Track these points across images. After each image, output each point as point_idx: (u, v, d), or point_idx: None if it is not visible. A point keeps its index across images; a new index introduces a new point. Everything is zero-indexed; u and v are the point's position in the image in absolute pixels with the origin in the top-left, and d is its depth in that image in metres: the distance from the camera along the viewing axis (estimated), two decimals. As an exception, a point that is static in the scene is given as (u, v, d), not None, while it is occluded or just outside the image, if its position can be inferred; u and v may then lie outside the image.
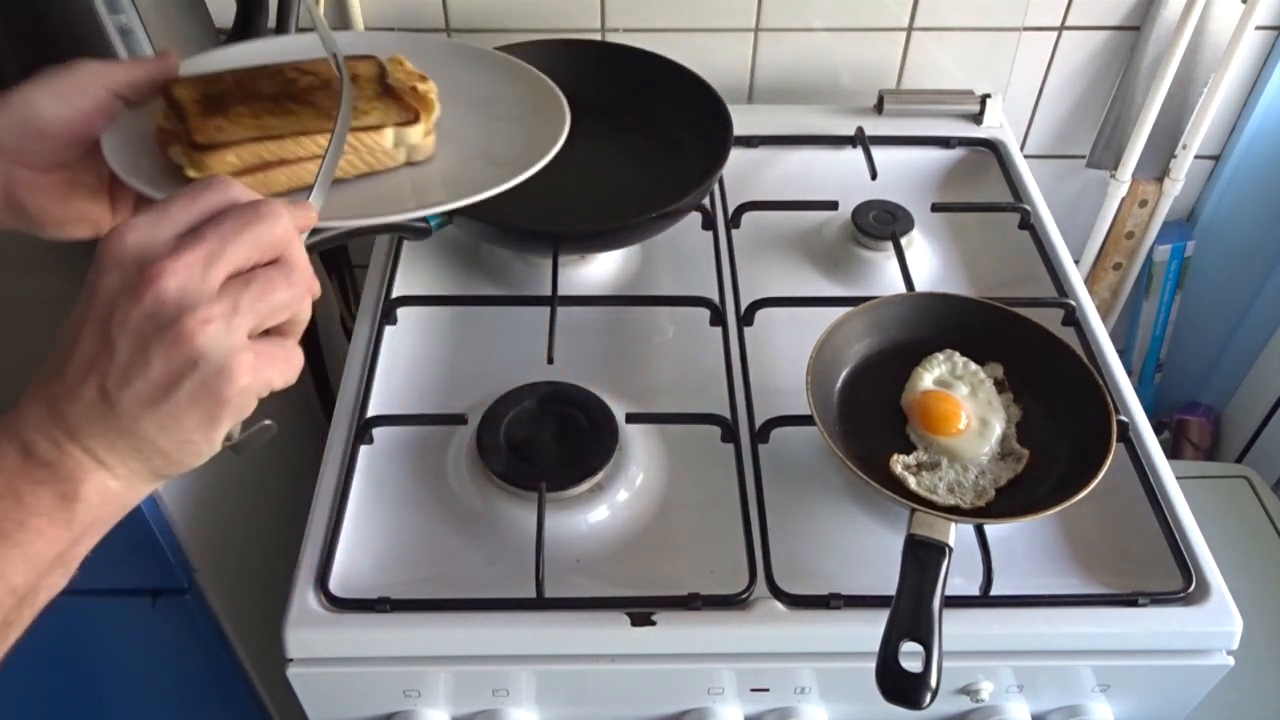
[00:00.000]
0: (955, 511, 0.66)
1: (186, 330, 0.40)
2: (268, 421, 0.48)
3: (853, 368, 0.76)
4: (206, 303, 0.40)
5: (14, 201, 0.55)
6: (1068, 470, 0.68)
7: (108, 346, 0.40)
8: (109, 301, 0.40)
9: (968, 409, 0.72)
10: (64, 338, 0.42)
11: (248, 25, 0.89)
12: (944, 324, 0.77)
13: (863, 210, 0.91)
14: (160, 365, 0.40)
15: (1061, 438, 0.71)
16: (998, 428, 0.72)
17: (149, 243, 0.41)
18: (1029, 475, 0.69)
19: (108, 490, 0.43)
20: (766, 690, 0.68)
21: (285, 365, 0.44)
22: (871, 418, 0.73)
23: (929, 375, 0.74)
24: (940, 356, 0.75)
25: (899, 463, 0.69)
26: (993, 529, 0.68)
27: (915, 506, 0.64)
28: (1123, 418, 0.75)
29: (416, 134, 0.66)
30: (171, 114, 0.61)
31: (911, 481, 0.68)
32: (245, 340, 0.42)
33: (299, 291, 0.44)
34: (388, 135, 0.65)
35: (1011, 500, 0.68)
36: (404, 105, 0.67)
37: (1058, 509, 0.64)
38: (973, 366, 0.75)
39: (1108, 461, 0.65)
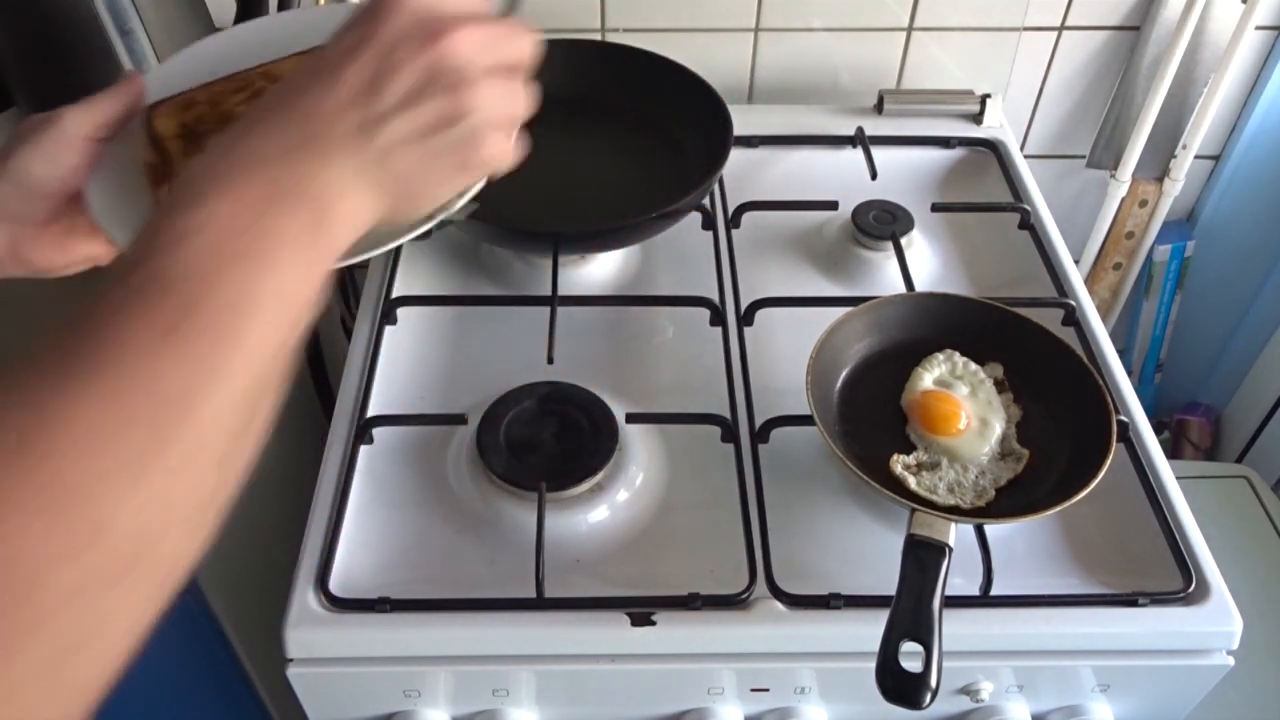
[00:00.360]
0: (955, 511, 0.66)
1: (466, 87, 0.42)
2: (476, 204, 0.50)
3: (853, 368, 0.76)
4: (485, 74, 0.43)
5: (19, 258, 0.56)
6: (1068, 470, 0.68)
7: (379, 83, 0.41)
8: (392, 42, 0.42)
9: (968, 409, 0.72)
10: (320, 69, 0.42)
11: (248, 25, 0.89)
12: (944, 324, 0.77)
13: (863, 210, 0.91)
14: (430, 111, 0.42)
15: (1061, 438, 0.71)
16: (998, 428, 0.72)
17: (437, 5, 0.43)
18: (1029, 475, 0.69)
19: (351, 220, 0.43)
20: (766, 690, 0.68)
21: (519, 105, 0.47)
22: (871, 418, 0.73)
23: (929, 375, 0.74)
24: (940, 356, 0.75)
25: (899, 463, 0.69)
26: (992, 529, 0.68)
27: (915, 506, 0.64)
28: (1123, 418, 0.75)
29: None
30: (154, 150, 0.60)
31: (911, 481, 0.68)
32: (507, 111, 0.45)
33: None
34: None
35: (1011, 500, 0.68)
36: None
37: (1058, 509, 0.64)
38: (973, 366, 0.75)
39: (1108, 461, 0.65)
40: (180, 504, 0.34)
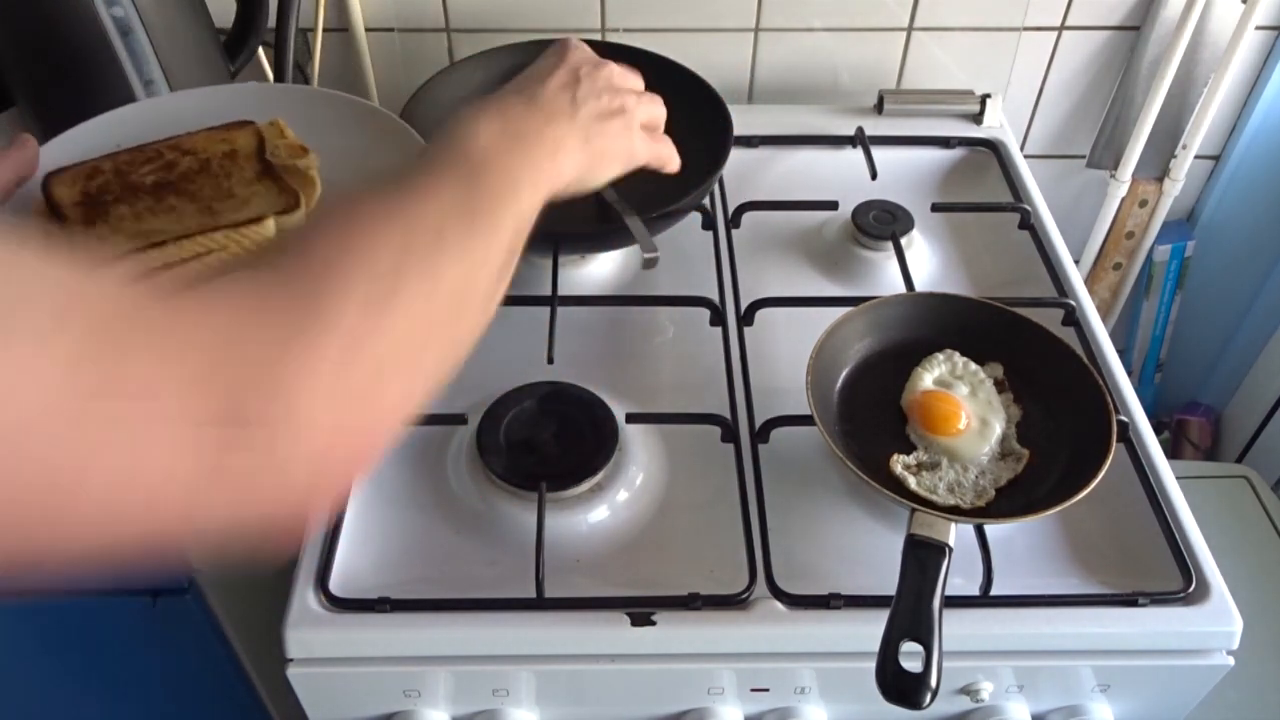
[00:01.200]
0: (955, 511, 0.65)
1: (625, 94, 0.64)
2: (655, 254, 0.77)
3: (853, 368, 0.76)
4: (632, 91, 0.66)
5: None
6: (1068, 470, 0.68)
7: (574, 84, 0.61)
8: (576, 64, 0.63)
9: (968, 409, 0.72)
10: (532, 80, 0.61)
11: (248, 25, 0.89)
12: (944, 324, 0.77)
13: (863, 210, 0.91)
14: (607, 104, 0.62)
15: (1061, 438, 0.71)
16: (998, 428, 0.72)
17: (591, 53, 0.66)
18: (1029, 475, 0.69)
19: (569, 162, 0.58)
20: (766, 690, 0.68)
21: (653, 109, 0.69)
22: (871, 418, 0.73)
23: (929, 375, 0.74)
24: (940, 356, 0.75)
25: (899, 463, 0.69)
26: (992, 529, 0.68)
27: (915, 506, 0.64)
28: (1123, 418, 0.75)
29: (297, 219, 0.65)
30: (52, 217, 0.60)
31: (911, 481, 0.68)
32: (651, 113, 0.68)
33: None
34: (269, 225, 0.64)
35: (1011, 500, 0.68)
36: (284, 187, 0.66)
37: (1058, 509, 0.64)
38: (973, 366, 0.75)
39: (1108, 462, 0.65)
40: (481, 282, 0.49)
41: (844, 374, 0.76)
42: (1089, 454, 0.67)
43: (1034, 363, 0.74)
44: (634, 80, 0.66)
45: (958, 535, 0.63)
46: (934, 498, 0.67)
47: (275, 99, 0.74)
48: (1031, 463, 0.70)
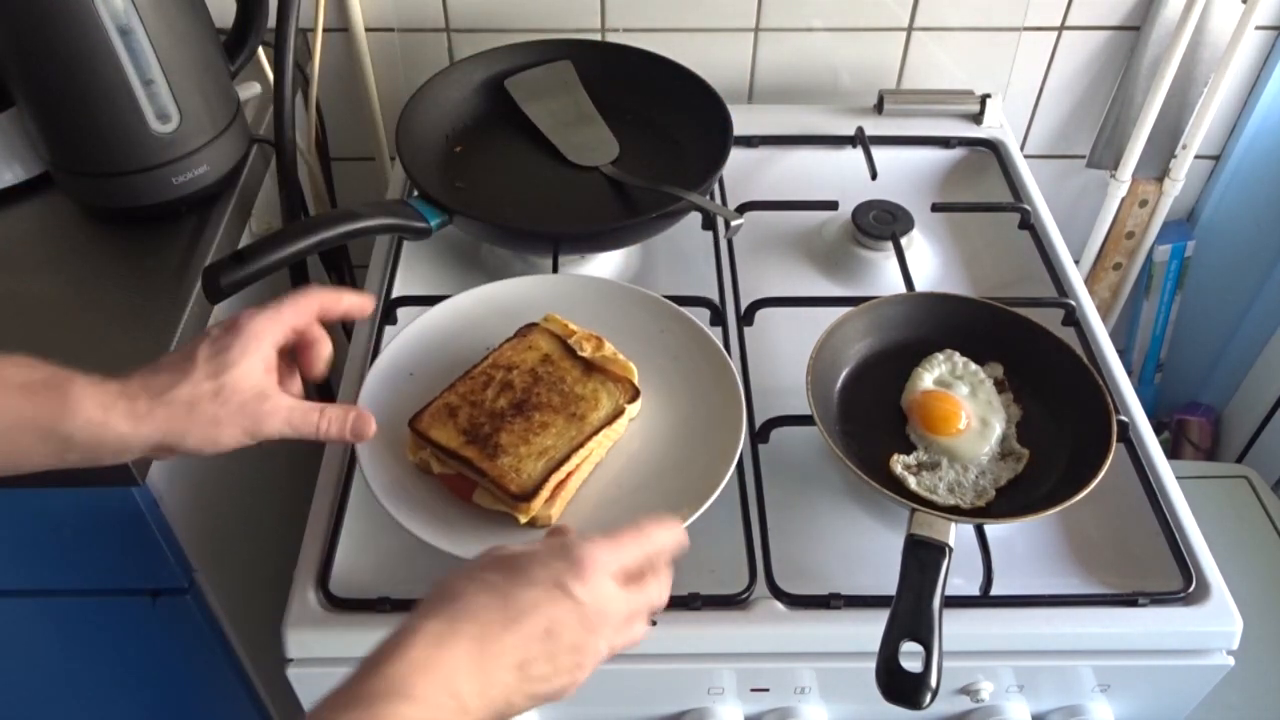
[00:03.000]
0: (955, 511, 0.65)
1: (580, 676, 0.53)
2: None
3: (853, 367, 0.76)
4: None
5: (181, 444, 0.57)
6: (1067, 470, 0.68)
7: (537, 668, 0.49)
8: (570, 622, 0.50)
9: (968, 409, 0.72)
10: (510, 605, 0.49)
11: (248, 25, 0.89)
12: (944, 324, 0.77)
13: (863, 210, 0.91)
14: (559, 692, 0.52)
15: (1062, 438, 0.71)
16: (998, 428, 0.72)
17: (619, 592, 0.52)
18: (1029, 475, 0.69)
19: None
20: (766, 690, 0.68)
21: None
22: (871, 418, 0.73)
23: (929, 375, 0.74)
24: (940, 356, 0.75)
25: (899, 463, 0.69)
26: (993, 529, 0.68)
27: (915, 506, 0.64)
28: (1123, 418, 0.75)
29: (637, 406, 0.69)
30: (441, 456, 0.65)
31: (912, 481, 0.68)
32: None
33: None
34: (624, 416, 0.68)
35: (1011, 500, 0.68)
36: (612, 376, 0.69)
37: (1058, 509, 0.64)
38: (973, 366, 0.75)
39: (1108, 462, 0.65)
40: None
41: (844, 374, 0.76)
42: (1089, 454, 0.67)
43: (1034, 363, 0.74)
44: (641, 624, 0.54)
45: (958, 535, 0.63)
46: (934, 498, 0.67)
47: (518, 292, 0.78)
48: (1031, 463, 0.70)
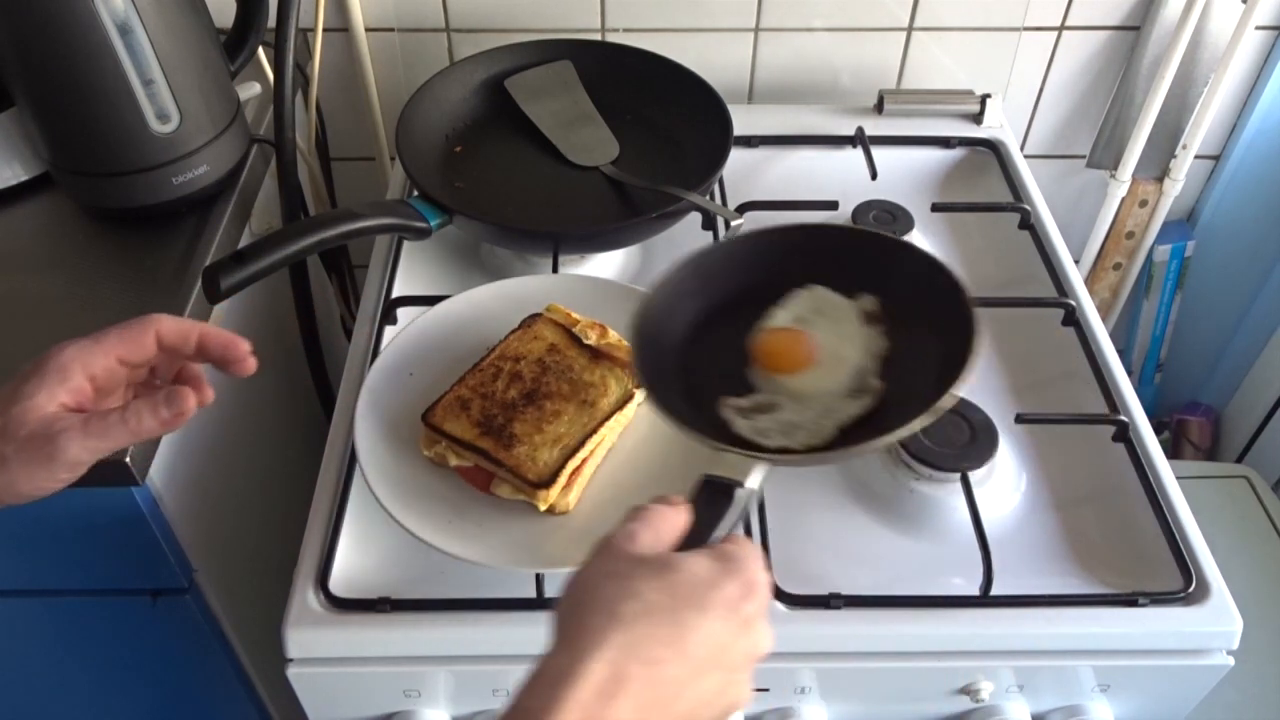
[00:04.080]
0: (784, 453, 0.58)
1: (748, 684, 0.46)
2: None
3: (697, 321, 0.67)
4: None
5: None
6: (927, 401, 0.57)
7: (720, 679, 0.44)
8: (743, 649, 0.45)
9: (816, 344, 0.63)
10: (685, 639, 0.43)
11: (248, 25, 0.89)
12: (811, 258, 0.68)
13: (863, 210, 0.91)
14: (730, 697, 0.45)
15: (929, 366, 0.60)
16: (851, 363, 0.63)
17: (767, 629, 0.47)
18: (882, 411, 0.61)
19: None
20: (766, 690, 0.68)
21: None
22: (716, 367, 0.65)
23: (785, 314, 0.66)
24: (803, 293, 0.66)
25: (729, 405, 0.62)
26: (991, 528, 0.67)
27: (721, 447, 0.56)
28: (1122, 417, 0.75)
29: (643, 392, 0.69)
30: (457, 449, 0.66)
31: (740, 424, 0.60)
32: None
33: None
34: (633, 402, 0.68)
35: (854, 437, 0.59)
36: (618, 362, 0.70)
37: (881, 440, 0.55)
38: (836, 299, 0.66)
39: (956, 388, 0.56)
40: None
41: (685, 329, 0.67)
42: (949, 380, 0.57)
43: (909, 291, 0.64)
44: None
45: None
46: (762, 440, 0.59)
47: (518, 292, 0.78)
48: (887, 397, 0.61)
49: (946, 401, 0.55)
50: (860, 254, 0.67)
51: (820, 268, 0.67)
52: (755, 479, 0.54)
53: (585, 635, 0.42)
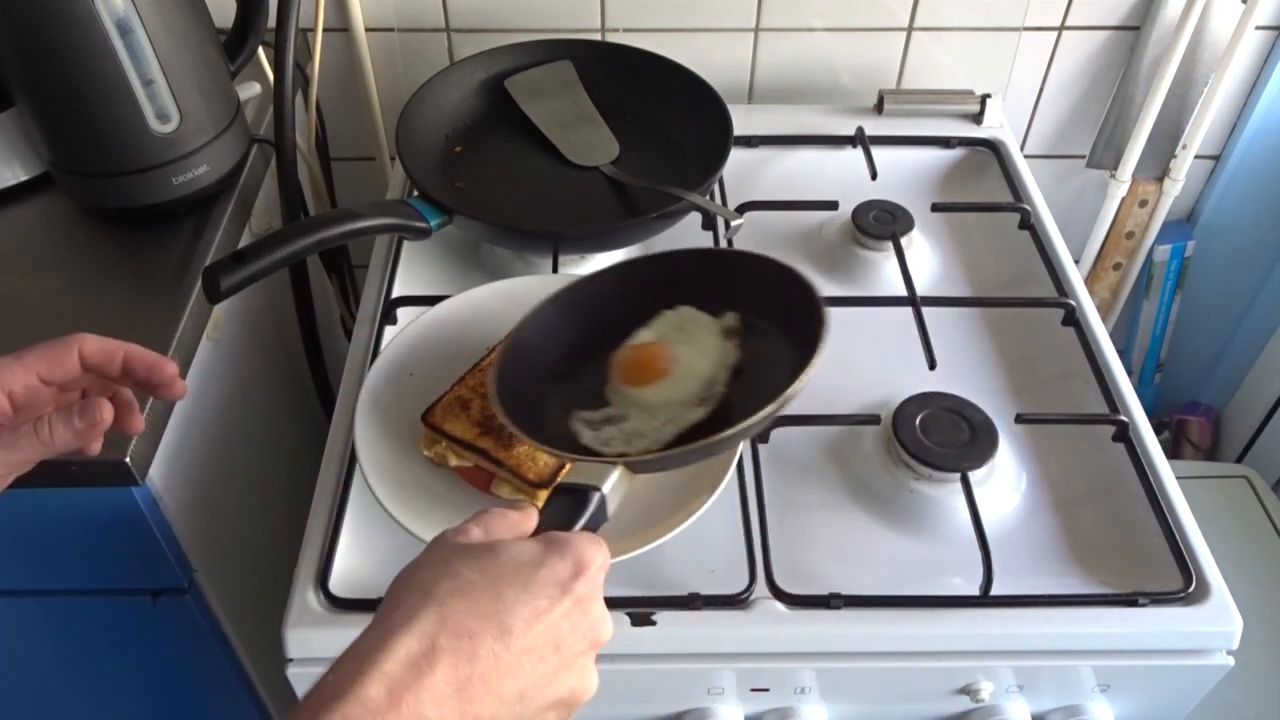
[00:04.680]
0: (621, 457, 0.60)
1: (593, 673, 0.46)
2: None
3: (573, 346, 0.69)
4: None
5: None
6: (767, 398, 0.58)
7: (550, 658, 0.43)
8: (571, 625, 0.44)
9: (672, 358, 0.65)
10: (503, 616, 0.42)
11: (248, 25, 0.89)
12: (680, 281, 0.69)
13: (863, 210, 0.91)
14: (565, 694, 0.44)
15: (781, 370, 0.60)
16: (703, 375, 0.65)
17: (602, 608, 0.46)
18: (723, 415, 0.62)
19: None
20: (766, 690, 0.68)
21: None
22: (582, 386, 0.67)
23: (648, 333, 0.68)
24: (670, 314, 0.68)
25: (579, 419, 0.64)
26: (992, 529, 0.68)
27: (572, 457, 0.59)
28: (1122, 417, 0.75)
29: None
30: (457, 449, 0.66)
31: (585, 435, 0.63)
32: None
33: None
34: None
35: (689, 440, 0.61)
36: None
37: (714, 439, 0.56)
38: (701, 317, 0.68)
39: (801, 381, 0.57)
40: None
41: (559, 355, 0.69)
42: (795, 375, 0.58)
43: (767, 300, 0.67)
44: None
45: (951, 533, 0.62)
46: (604, 448, 0.61)
47: (518, 292, 0.77)
48: (732, 402, 0.63)
49: (788, 393, 0.55)
50: (719, 272, 0.69)
51: (689, 290, 0.68)
52: (607, 484, 0.55)
53: (398, 614, 0.41)
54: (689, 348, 0.66)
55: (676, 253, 0.71)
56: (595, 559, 0.45)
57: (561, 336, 0.69)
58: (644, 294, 0.69)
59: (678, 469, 0.62)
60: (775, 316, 0.65)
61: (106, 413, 0.55)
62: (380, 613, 0.43)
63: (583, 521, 0.52)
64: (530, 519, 0.49)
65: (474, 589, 0.42)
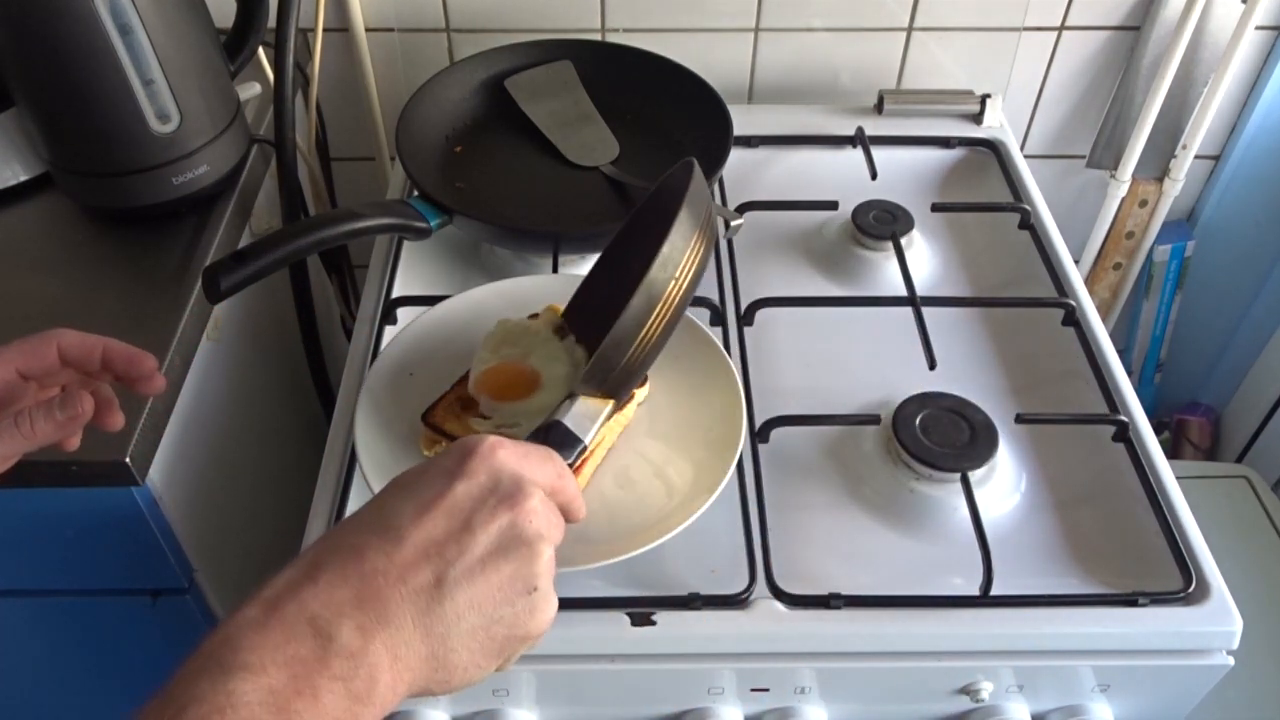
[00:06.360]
0: None
1: (539, 560, 0.42)
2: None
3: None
4: (550, 547, 0.43)
5: None
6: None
7: (462, 538, 0.41)
8: (473, 497, 0.42)
9: (528, 370, 0.68)
10: (389, 522, 0.41)
11: (248, 25, 0.89)
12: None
13: (863, 210, 0.91)
14: (507, 573, 0.41)
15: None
16: (562, 377, 0.67)
17: (518, 468, 0.43)
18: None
19: (392, 694, 0.39)
20: (766, 690, 0.68)
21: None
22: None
23: (488, 353, 0.69)
24: (496, 330, 0.70)
25: (480, 425, 0.66)
26: (992, 529, 0.67)
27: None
28: (1122, 417, 0.75)
29: (645, 390, 0.69)
30: None
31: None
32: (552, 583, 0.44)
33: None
34: (634, 399, 0.69)
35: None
36: None
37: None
38: (526, 324, 0.70)
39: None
40: None
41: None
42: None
43: (586, 296, 0.69)
44: (553, 510, 0.45)
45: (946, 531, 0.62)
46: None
47: (518, 292, 0.78)
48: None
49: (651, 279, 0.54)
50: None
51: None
52: (560, 412, 0.54)
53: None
54: (535, 358, 0.68)
55: None
56: (488, 442, 0.43)
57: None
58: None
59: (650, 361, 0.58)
60: (602, 315, 0.61)
61: (87, 404, 0.54)
62: None
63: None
64: None
65: (365, 512, 0.42)
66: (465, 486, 0.42)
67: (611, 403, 0.56)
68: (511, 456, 0.44)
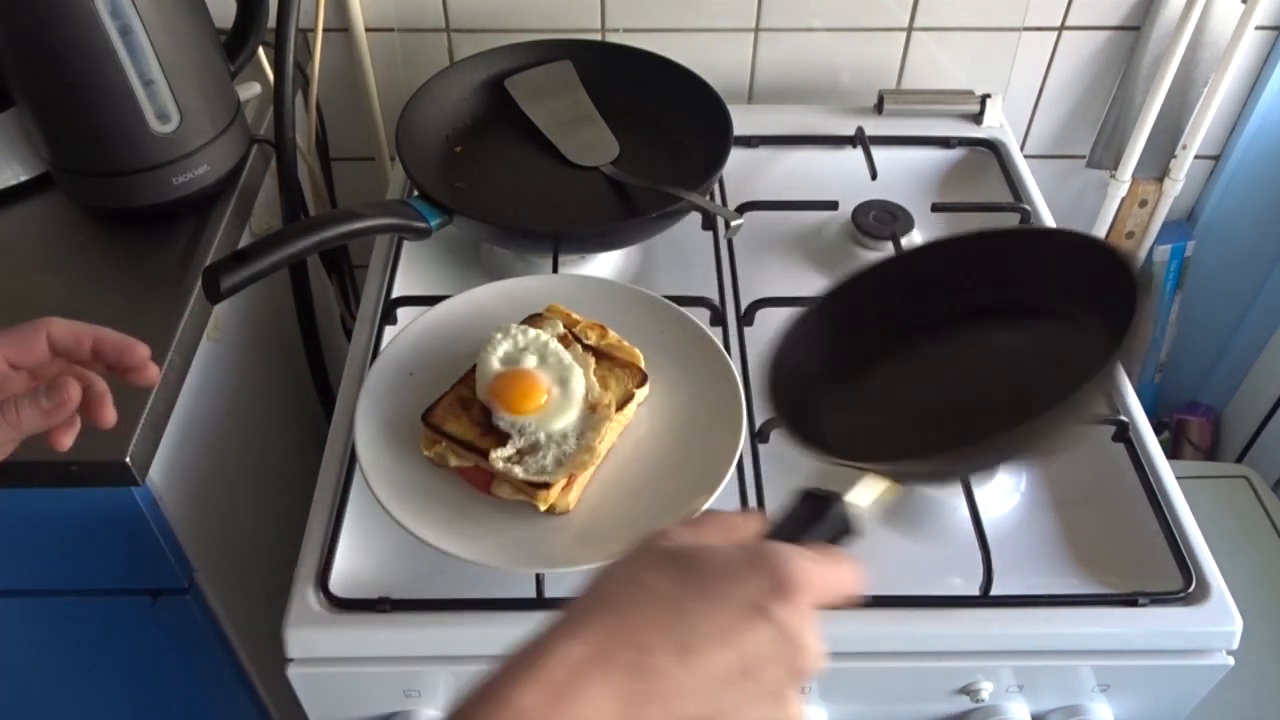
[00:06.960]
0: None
1: (794, 703, 0.40)
2: None
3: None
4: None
5: None
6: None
7: (744, 685, 0.38)
8: (770, 646, 0.39)
9: (543, 378, 0.68)
10: (680, 632, 0.37)
11: (248, 25, 0.89)
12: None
13: (863, 210, 0.91)
14: (763, 713, 0.39)
15: (1076, 353, 0.56)
16: (579, 384, 0.67)
17: (818, 628, 0.41)
18: (969, 418, 0.57)
19: None
20: (766, 690, 0.68)
21: None
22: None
23: (493, 358, 0.69)
24: (498, 335, 0.70)
25: (499, 458, 0.64)
26: (992, 529, 0.68)
27: (839, 462, 0.53)
28: (1122, 417, 0.75)
29: (646, 390, 0.69)
30: (458, 449, 0.66)
31: (518, 471, 0.64)
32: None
33: None
34: (634, 401, 0.68)
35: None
36: (619, 363, 0.70)
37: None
38: (532, 332, 0.70)
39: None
40: None
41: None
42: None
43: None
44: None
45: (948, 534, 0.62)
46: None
47: (518, 292, 0.78)
48: (977, 403, 0.58)
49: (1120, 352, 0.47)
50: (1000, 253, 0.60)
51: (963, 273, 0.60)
52: (853, 492, 0.48)
53: (571, 619, 0.38)
54: (546, 367, 0.68)
55: (943, 242, 0.63)
56: (803, 580, 0.40)
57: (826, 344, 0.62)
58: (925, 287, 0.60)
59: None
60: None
61: (74, 391, 0.53)
62: (556, 620, 0.39)
63: (815, 533, 0.45)
64: (751, 523, 0.44)
65: (657, 599, 0.38)
66: (769, 633, 0.39)
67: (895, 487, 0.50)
68: (816, 606, 0.41)
